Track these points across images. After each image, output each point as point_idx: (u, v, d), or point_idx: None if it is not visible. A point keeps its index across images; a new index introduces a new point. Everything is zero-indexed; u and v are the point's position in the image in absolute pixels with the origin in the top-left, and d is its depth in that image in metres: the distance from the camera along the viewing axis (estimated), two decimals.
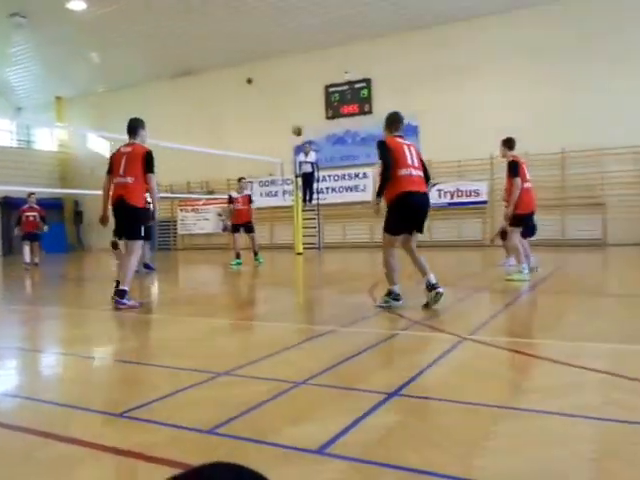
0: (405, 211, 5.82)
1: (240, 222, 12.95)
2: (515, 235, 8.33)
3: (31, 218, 15.53)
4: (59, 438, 2.58)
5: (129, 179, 6.78)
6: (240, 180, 13.36)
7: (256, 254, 13.15)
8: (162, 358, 4.17)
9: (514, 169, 8.15)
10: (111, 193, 6.98)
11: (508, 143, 8.47)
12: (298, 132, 15.02)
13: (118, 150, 7.09)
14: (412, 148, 5.96)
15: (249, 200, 13.04)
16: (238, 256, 12.75)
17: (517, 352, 3.92)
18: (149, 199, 7.31)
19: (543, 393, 3.02)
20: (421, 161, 5.99)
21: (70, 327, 5.99)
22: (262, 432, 2.54)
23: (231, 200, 12.98)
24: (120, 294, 6.63)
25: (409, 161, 5.78)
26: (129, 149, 6.96)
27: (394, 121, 6.19)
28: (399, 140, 5.97)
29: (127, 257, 6.92)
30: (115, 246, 11.03)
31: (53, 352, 4.84)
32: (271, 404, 2.94)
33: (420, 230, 6.00)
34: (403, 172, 5.73)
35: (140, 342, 5.08)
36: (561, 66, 17.32)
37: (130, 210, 6.78)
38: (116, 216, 6.97)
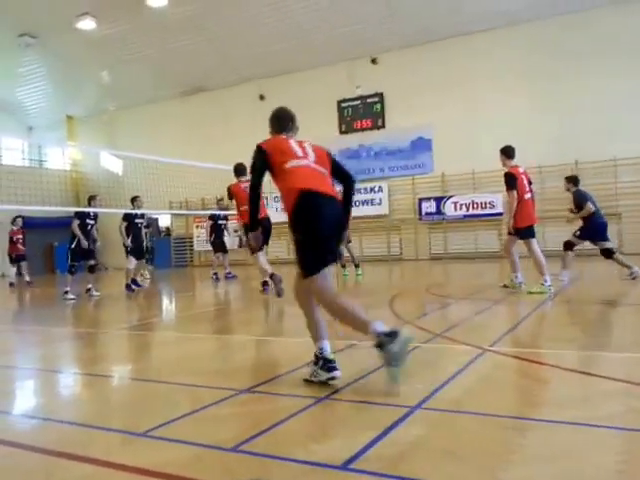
0: (315, 221, 3.79)
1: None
2: (534, 246, 8.14)
3: (20, 240, 15.98)
4: (81, 459, 2.61)
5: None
6: None
7: (344, 266, 13.34)
8: (181, 376, 4.21)
9: (510, 182, 8.03)
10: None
11: (505, 152, 8.34)
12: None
13: (238, 185, 9.53)
14: (307, 144, 4.23)
15: None
16: (344, 266, 13.23)
17: (538, 363, 3.93)
18: None
19: (566, 404, 3.03)
20: (330, 162, 4.24)
21: (86, 347, 6.05)
22: (285, 449, 2.57)
23: None
24: (264, 284, 9.51)
25: (299, 153, 4.03)
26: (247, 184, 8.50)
27: (279, 119, 4.58)
28: (284, 137, 4.33)
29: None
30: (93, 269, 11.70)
31: (70, 372, 4.90)
32: (293, 420, 2.97)
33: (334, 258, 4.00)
34: (293, 163, 3.95)
35: (158, 360, 5.13)
36: (573, 78, 17.37)
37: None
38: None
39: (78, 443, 2.84)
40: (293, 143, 4.15)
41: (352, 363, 4.26)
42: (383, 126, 20.61)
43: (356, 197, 20.49)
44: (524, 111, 17.89)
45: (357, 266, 13.02)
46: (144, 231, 13.01)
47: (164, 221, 26.38)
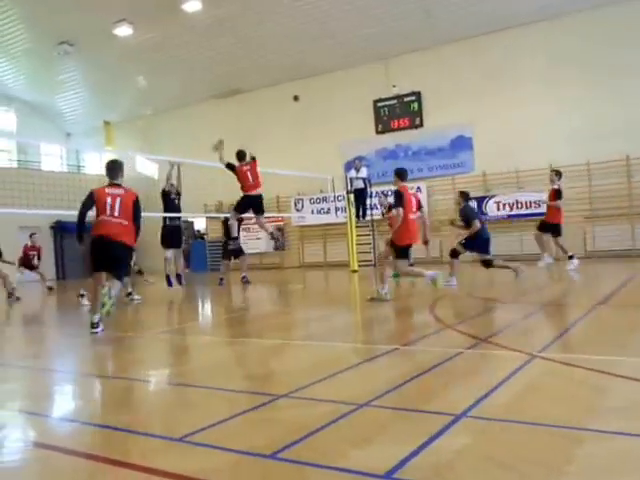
0: (94, 252, 7.03)
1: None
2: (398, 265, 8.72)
3: (31, 257, 16.35)
4: (120, 464, 2.62)
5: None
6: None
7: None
8: (219, 381, 4.21)
9: (397, 199, 8.45)
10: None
11: (399, 174, 8.81)
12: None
13: (240, 167, 11.39)
14: (118, 200, 6.99)
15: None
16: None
17: (592, 370, 3.78)
18: None
19: (625, 413, 2.91)
20: (133, 208, 7.10)
21: (124, 351, 6.12)
22: (326, 456, 2.52)
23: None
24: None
25: (107, 211, 6.94)
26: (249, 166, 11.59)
27: (109, 169, 7.28)
28: (107, 190, 7.07)
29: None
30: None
31: (109, 376, 4.95)
32: (334, 427, 2.92)
33: (115, 275, 7.10)
34: (100, 218, 6.96)
35: (195, 365, 5.15)
36: (620, 72, 16.89)
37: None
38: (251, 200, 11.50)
39: (116, 447, 2.86)
40: (108, 198, 6.98)
41: (394, 368, 4.20)
42: (421, 125, 20.42)
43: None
44: (571, 106, 17.47)
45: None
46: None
47: (199, 224, 26.66)
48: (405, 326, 6.52)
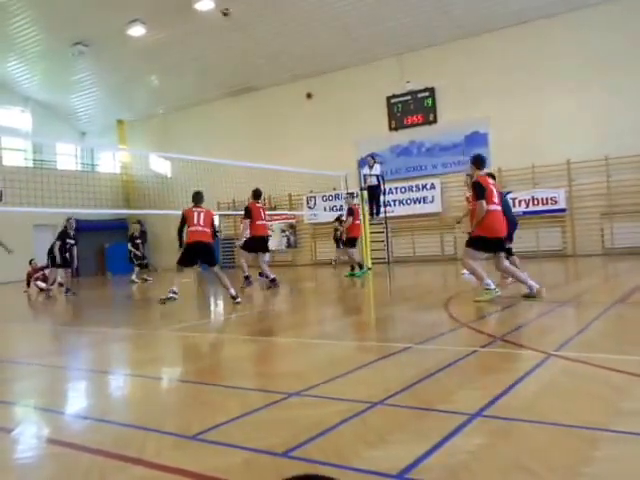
0: (189, 252, 9.79)
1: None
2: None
3: (41, 278, 16.49)
4: (134, 461, 2.62)
5: (268, 223, 12.29)
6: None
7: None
8: (232, 379, 4.21)
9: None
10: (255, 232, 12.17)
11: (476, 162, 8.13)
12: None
13: (254, 204, 12.25)
14: (203, 213, 9.81)
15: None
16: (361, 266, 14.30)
17: (611, 369, 3.72)
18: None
19: None
20: (211, 219, 9.95)
21: (138, 349, 6.14)
22: (339, 455, 2.51)
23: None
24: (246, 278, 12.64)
25: (195, 221, 9.70)
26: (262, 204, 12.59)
27: (195, 196, 10.04)
28: (194, 209, 9.81)
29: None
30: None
31: (123, 374, 4.97)
32: (347, 426, 2.90)
33: (209, 263, 10.04)
34: (192, 229, 9.72)
35: (208, 362, 5.15)
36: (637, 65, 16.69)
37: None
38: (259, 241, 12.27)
39: (130, 445, 2.86)
40: (195, 214, 9.75)
41: (408, 366, 4.16)
42: (435, 121, 20.32)
43: (407, 195, 20.41)
44: (588, 101, 17.28)
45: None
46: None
47: None
48: (419, 324, 6.47)
